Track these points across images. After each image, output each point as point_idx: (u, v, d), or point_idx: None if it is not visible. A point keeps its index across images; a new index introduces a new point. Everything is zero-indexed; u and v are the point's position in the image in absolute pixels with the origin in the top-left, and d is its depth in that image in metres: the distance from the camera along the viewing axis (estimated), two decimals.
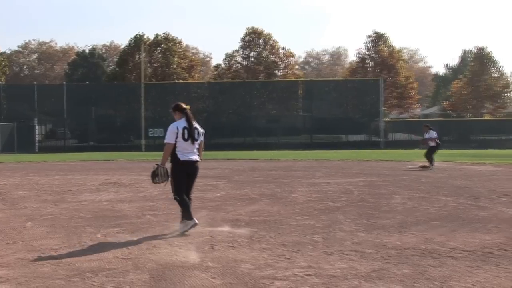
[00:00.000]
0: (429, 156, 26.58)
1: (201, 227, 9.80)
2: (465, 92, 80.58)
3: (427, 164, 26.27)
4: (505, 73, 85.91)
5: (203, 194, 10.87)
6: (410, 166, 27.27)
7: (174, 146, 9.76)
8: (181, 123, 9.87)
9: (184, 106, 10.08)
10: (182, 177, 9.86)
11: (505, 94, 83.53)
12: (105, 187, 18.35)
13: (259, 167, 28.14)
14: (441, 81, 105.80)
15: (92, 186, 18.57)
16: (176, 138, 9.72)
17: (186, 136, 9.76)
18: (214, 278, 6.81)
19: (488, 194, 15.51)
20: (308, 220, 11.22)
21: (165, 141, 9.86)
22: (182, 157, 9.77)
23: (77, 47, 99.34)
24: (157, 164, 9.90)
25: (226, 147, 47.58)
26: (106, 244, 8.91)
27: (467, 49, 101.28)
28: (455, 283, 6.52)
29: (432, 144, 26.94)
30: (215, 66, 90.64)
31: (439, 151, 27.06)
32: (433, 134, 27.29)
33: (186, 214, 9.71)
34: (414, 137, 57.57)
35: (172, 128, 9.83)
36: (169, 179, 9.82)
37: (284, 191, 16.50)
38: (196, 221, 9.69)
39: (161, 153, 9.90)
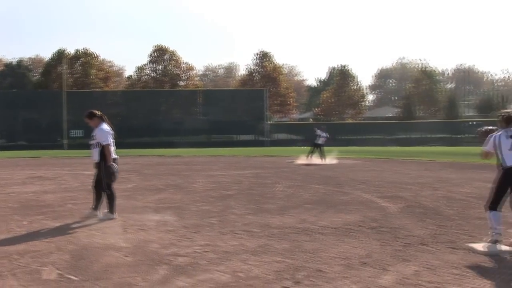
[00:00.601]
0: (322, 152, 26.44)
1: (115, 214, 9.66)
2: (332, 100, 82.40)
3: (311, 160, 26.03)
4: (362, 86, 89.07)
5: (117, 186, 10.68)
6: (288, 160, 27.58)
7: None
8: (107, 126, 9.64)
9: (98, 112, 9.81)
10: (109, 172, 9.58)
11: (362, 103, 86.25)
12: (31, 180, 17.71)
13: (165, 162, 27.89)
14: (313, 92, 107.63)
15: (19, 180, 17.87)
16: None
17: (113, 137, 9.62)
18: (127, 256, 6.76)
19: (349, 182, 15.96)
20: (206, 206, 11.23)
21: (105, 143, 9.46)
22: (115, 156, 9.64)
23: (6, 59, 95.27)
24: (109, 165, 9.47)
25: (137, 146, 46.84)
26: (32, 230, 8.64)
27: (333, 66, 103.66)
28: (323, 254, 6.72)
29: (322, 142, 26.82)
30: (127, 77, 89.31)
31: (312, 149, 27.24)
32: (323, 133, 27.14)
33: (112, 208, 9.58)
34: (293, 137, 58.77)
35: (107, 131, 9.54)
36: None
37: (186, 182, 16.44)
38: (116, 216, 9.54)
39: (83, 150, 9.70)
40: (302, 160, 26.41)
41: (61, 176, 19.01)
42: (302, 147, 41.63)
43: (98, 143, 9.49)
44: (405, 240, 7.57)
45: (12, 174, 20.47)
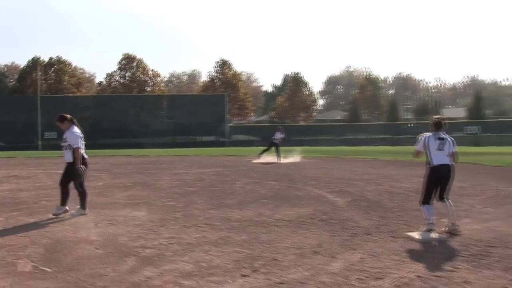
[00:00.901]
0: (278, 151, 26.40)
1: (87, 209, 9.52)
2: (286, 105, 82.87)
3: (266, 160, 25.83)
4: (313, 92, 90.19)
5: (88, 183, 10.47)
6: (247, 159, 27.65)
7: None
8: (77, 129, 9.44)
9: (69, 116, 9.61)
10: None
11: (313, 107, 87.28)
12: (7, 179, 17.30)
13: (133, 161, 27.62)
14: (269, 96, 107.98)
15: None
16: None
17: (83, 140, 9.47)
18: (98, 248, 6.69)
19: (302, 179, 16.05)
20: (171, 201, 11.18)
21: (75, 146, 9.22)
22: (85, 156, 9.47)
23: None
24: (77, 167, 9.25)
25: (107, 147, 46.17)
26: (8, 226, 8.45)
27: (287, 73, 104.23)
28: (278, 244, 6.77)
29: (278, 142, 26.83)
30: (98, 83, 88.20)
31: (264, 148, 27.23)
32: (281, 134, 27.20)
33: (84, 204, 9.46)
34: (251, 138, 58.86)
35: (77, 135, 9.33)
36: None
37: (152, 180, 16.31)
38: (87, 212, 9.42)
39: (56, 151, 9.52)
40: (260, 159, 26.37)
41: (35, 175, 18.63)
42: (259, 147, 41.75)
43: (69, 145, 9.34)
44: (351, 230, 7.67)
45: None
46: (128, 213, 9.57)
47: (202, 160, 27.85)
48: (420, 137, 8.10)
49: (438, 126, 7.95)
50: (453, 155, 7.86)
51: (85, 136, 9.62)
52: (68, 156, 9.38)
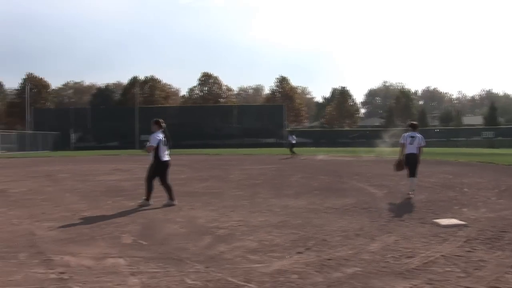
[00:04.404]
0: (292, 150, 30.43)
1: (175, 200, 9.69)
2: (334, 113, 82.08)
3: (291, 155, 29.67)
4: (356, 102, 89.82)
5: (173, 176, 10.68)
6: (302, 158, 27.63)
7: (156, 148, 8.98)
8: (160, 133, 9.08)
9: (161, 122, 9.36)
10: (159, 170, 9.07)
11: (356, 115, 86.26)
12: (113, 171, 17.97)
13: (209, 159, 28.05)
14: (320, 106, 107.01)
15: (105, 171, 18.15)
16: (158, 143, 8.96)
17: (165, 143, 9.14)
18: (182, 228, 6.84)
19: (347, 174, 15.83)
20: (239, 191, 11.27)
21: (148, 144, 8.93)
22: (163, 157, 9.03)
23: (97, 84, 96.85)
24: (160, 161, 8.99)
25: (188, 147, 47.02)
26: (114, 207, 8.80)
27: (335, 87, 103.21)
28: (327, 227, 6.73)
29: (294, 142, 31.30)
30: (182, 96, 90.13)
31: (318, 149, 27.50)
32: (294, 137, 31.86)
33: (172, 195, 9.10)
34: (305, 140, 58.54)
35: (156, 138, 8.98)
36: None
37: (225, 174, 16.51)
38: (176, 203, 9.05)
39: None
40: (321, 157, 28.23)
41: (134, 168, 19.24)
42: (311, 148, 41.46)
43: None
44: (388, 217, 7.53)
45: (100, 167, 20.82)
46: (206, 200, 9.70)
47: (265, 158, 27.97)
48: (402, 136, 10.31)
49: (414, 126, 10.46)
50: (419, 147, 10.04)
51: (171, 138, 9.43)
52: (151, 156, 9.06)
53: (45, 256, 5.19)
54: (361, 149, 39.02)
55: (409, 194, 9.96)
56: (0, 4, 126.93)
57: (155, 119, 9.40)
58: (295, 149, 31.32)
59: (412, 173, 9.98)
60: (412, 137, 10.05)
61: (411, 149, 9.99)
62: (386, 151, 29.91)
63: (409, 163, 9.97)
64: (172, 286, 4.19)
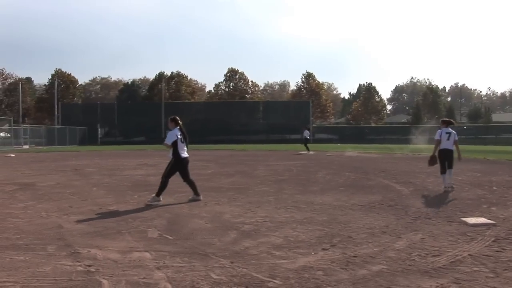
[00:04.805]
0: (306, 146, 30.01)
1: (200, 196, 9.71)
2: (360, 109, 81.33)
3: (305, 151, 29.17)
4: (383, 99, 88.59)
5: (198, 171, 10.75)
6: (328, 154, 27.46)
7: (175, 146, 8.81)
8: (177, 131, 8.90)
9: (178, 119, 9.11)
10: (178, 168, 8.96)
11: (383, 111, 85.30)
12: (140, 166, 18.22)
13: (235, 154, 28.13)
14: (346, 102, 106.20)
15: (131, 166, 18.42)
16: (176, 140, 8.79)
17: (182, 140, 8.95)
18: (207, 223, 6.88)
19: (373, 171, 15.67)
20: (265, 187, 11.27)
21: (166, 141, 8.81)
22: (182, 154, 8.88)
23: (124, 80, 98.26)
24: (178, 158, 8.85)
25: (214, 142, 47.34)
26: (140, 202, 8.91)
27: (361, 83, 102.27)
28: (353, 224, 6.68)
29: (308, 137, 31.44)
30: (208, 92, 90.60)
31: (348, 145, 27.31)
32: (307, 132, 31.99)
33: (196, 191, 9.06)
34: (331, 136, 58.31)
35: (172, 133, 8.81)
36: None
37: (250, 169, 16.54)
38: (201, 198, 9.10)
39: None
40: (350, 153, 28.18)
41: (160, 163, 19.38)
42: (337, 144, 41.18)
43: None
44: (414, 215, 7.42)
45: (127, 162, 21.14)
46: (231, 196, 9.74)
47: (290, 154, 27.89)
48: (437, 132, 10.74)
49: (447, 123, 10.85)
50: (455, 143, 10.58)
51: (197, 133, 9.35)
52: (169, 153, 9.02)
53: (73, 249, 5.29)
54: (394, 146, 38.41)
55: (448, 188, 10.37)
56: (29, 2, 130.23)
57: (171, 117, 9.22)
58: (308, 145, 30.92)
59: (450, 166, 10.49)
60: (448, 133, 10.55)
61: (447, 144, 10.53)
62: (421, 147, 29.60)
63: (447, 158, 10.50)
64: (197, 280, 4.22)
